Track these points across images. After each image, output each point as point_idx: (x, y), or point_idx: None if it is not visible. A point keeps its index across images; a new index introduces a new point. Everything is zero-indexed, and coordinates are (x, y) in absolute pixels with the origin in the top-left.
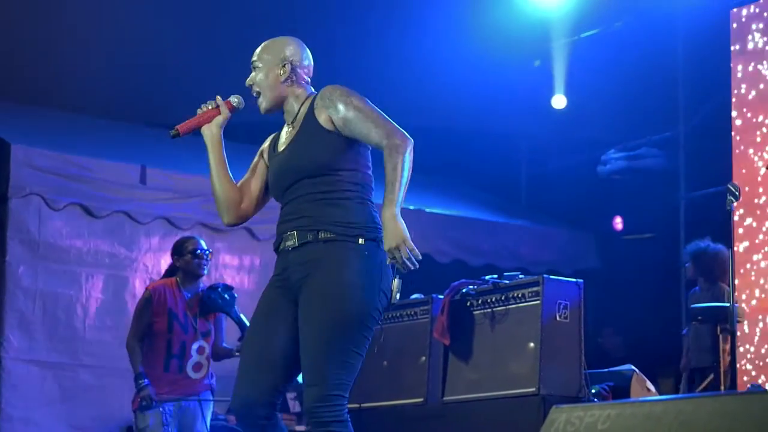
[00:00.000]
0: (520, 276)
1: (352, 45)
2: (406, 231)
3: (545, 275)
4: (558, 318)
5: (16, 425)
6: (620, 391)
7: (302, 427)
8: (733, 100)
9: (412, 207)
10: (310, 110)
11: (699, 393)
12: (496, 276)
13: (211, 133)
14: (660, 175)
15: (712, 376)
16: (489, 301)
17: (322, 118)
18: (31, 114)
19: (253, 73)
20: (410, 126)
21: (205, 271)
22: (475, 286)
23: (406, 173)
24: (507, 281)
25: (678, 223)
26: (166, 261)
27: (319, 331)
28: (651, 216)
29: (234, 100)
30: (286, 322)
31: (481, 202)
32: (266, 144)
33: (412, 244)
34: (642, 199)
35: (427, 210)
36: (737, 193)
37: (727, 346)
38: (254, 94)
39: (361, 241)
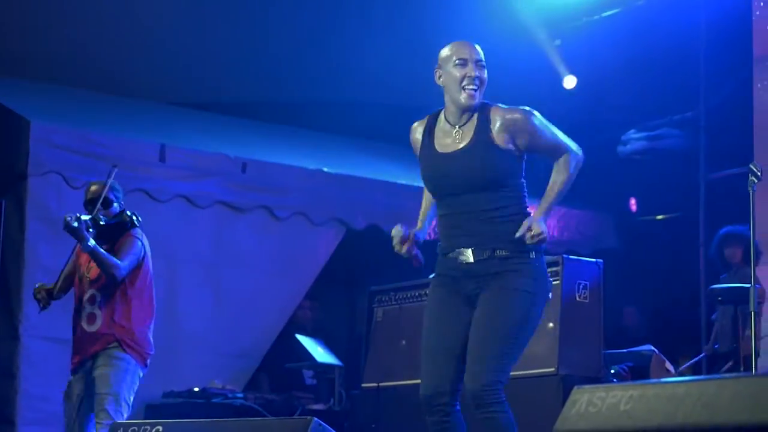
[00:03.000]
0: None
1: (376, 26)
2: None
3: (565, 255)
4: (578, 298)
5: (34, 402)
6: (640, 371)
7: (320, 405)
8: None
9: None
10: (483, 122)
11: (721, 375)
12: None
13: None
14: (680, 155)
15: (731, 362)
16: None
17: (500, 137)
18: (51, 92)
19: (482, 71)
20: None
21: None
22: None
23: (567, 187)
24: None
25: (698, 204)
26: (184, 240)
27: (493, 329)
28: (671, 197)
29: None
30: (460, 320)
31: None
32: (418, 135)
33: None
34: (662, 179)
35: None
36: (759, 174)
37: (747, 330)
38: (474, 87)
39: (532, 255)
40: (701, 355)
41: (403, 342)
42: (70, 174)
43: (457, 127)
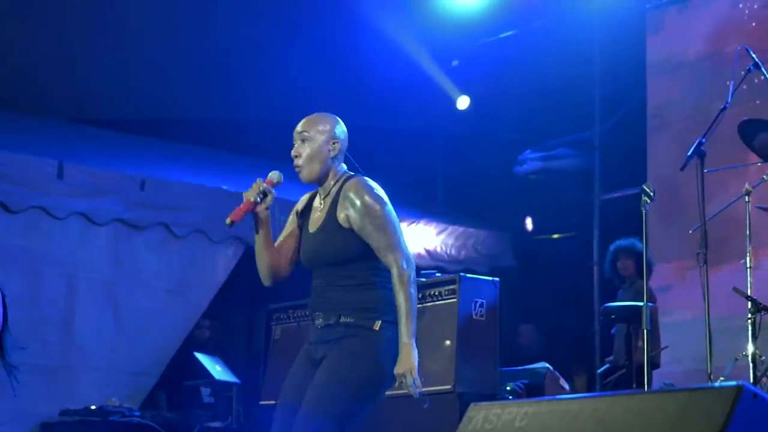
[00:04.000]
0: (437, 274)
1: (277, 44)
2: (416, 361)
3: (462, 274)
4: (474, 316)
5: None
6: (535, 388)
7: (218, 423)
8: (649, 102)
9: None
10: (335, 201)
11: (614, 391)
12: None
13: (264, 215)
14: (575, 175)
15: (617, 373)
16: None
17: (341, 217)
18: None
19: (299, 144)
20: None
21: None
22: None
23: (416, 302)
24: (424, 279)
25: (592, 224)
26: (82, 257)
27: (320, 388)
28: (566, 216)
29: (275, 178)
30: (309, 383)
31: (399, 201)
32: (300, 206)
33: (417, 375)
34: (558, 199)
35: None
36: (652, 194)
37: (640, 344)
38: (297, 163)
39: (377, 325)
40: (605, 368)
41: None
42: None
43: (320, 201)
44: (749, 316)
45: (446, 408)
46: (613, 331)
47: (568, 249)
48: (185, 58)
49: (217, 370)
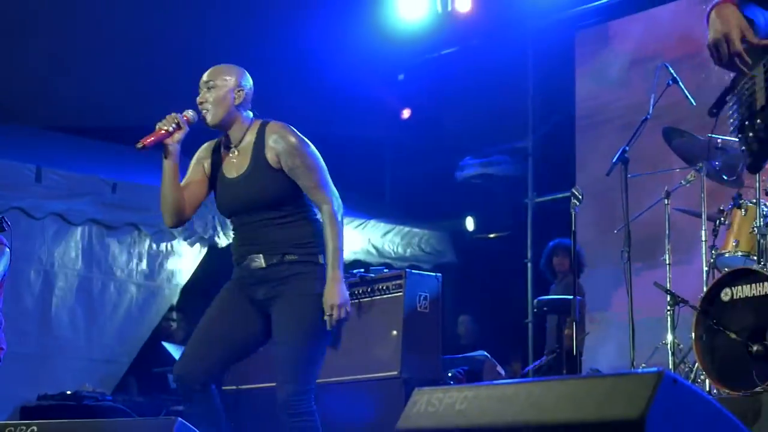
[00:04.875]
0: (385, 270)
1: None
2: (347, 294)
3: (407, 269)
4: (419, 308)
5: None
6: (474, 374)
7: (182, 407)
8: (578, 113)
9: None
10: (260, 144)
11: (547, 377)
12: (363, 270)
13: (174, 147)
14: (511, 180)
15: (544, 358)
16: (356, 293)
17: (271, 157)
18: None
19: (205, 93)
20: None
21: None
22: (345, 279)
23: (343, 238)
24: (373, 275)
25: (526, 224)
26: (58, 254)
27: (292, 341)
28: (502, 217)
29: (190, 114)
30: (245, 320)
31: (350, 203)
32: (204, 154)
33: (349, 308)
34: (494, 201)
35: None
36: (580, 197)
37: (568, 332)
38: (203, 110)
39: (320, 258)
40: (542, 360)
41: (260, 349)
42: None
43: (234, 149)
44: (668, 308)
45: (393, 392)
46: (546, 323)
47: (503, 247)
48: (151, 69)
49: None
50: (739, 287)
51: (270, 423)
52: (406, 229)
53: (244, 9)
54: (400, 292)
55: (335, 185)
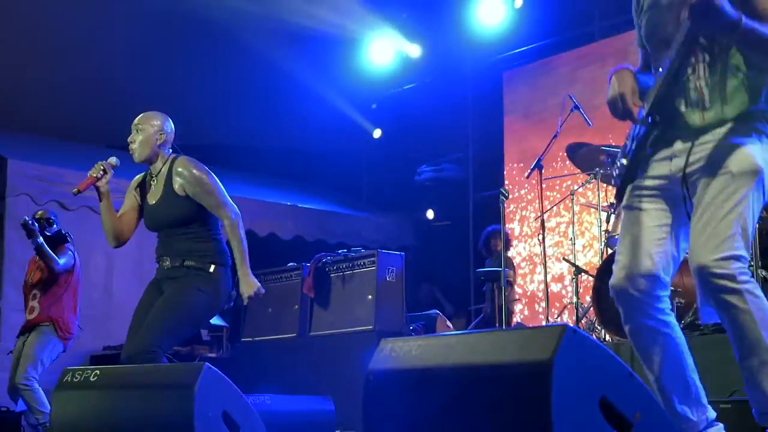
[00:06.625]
0: (362, 250)
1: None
2: (256, 281)
3: (379, 250)
4: (387, 279)
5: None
6: (429, 328)
7: (213, 354)
8: (505, 129)
9: (289, 203)
10: (169, 176)
11: (481, 329)
12: (346, 250)
13: (105, 188)
14: (456, 182)
15: (482, 316)
16: (341, 267)
17: (177, 187)
18: (25, 138)
19: (135, 134)
20: (283, 148)
21: (35, 238)
22: (332, 257)
23: (246, 242)
24: (353, 254)
25: (468, 215)
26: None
27: (158, 308)
28: (451, 210)
29: (113, 160)
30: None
31: (336, 201)
32: (135, 185)
33: (261, 290)
34: (445, 198)
35: (300, 205)
36: (507, 194)
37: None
38: (131, 149)
39: (211, 267)
40: (481, 316)
41: (270, 310)
42: (36, 196)
43: (154, 178)
44: (572, 276)
45: (368, 342)
46: (484, 288)
47: (452, 232)
48: (119, 79)
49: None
50: None
51: (275, 364)
52: (380, 219)
53: (245, 49)
54: (373, 267)
55: (327, 188)
